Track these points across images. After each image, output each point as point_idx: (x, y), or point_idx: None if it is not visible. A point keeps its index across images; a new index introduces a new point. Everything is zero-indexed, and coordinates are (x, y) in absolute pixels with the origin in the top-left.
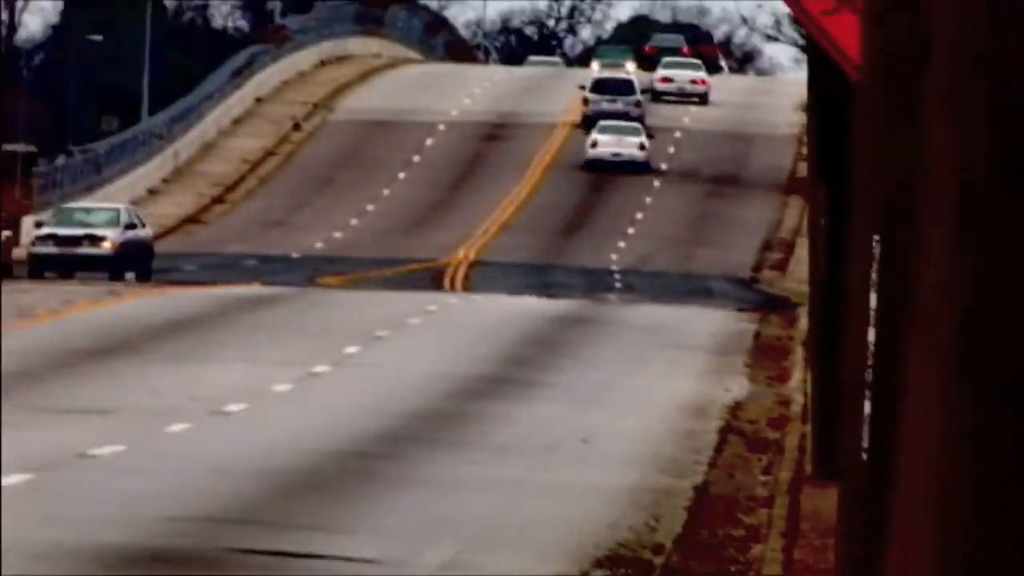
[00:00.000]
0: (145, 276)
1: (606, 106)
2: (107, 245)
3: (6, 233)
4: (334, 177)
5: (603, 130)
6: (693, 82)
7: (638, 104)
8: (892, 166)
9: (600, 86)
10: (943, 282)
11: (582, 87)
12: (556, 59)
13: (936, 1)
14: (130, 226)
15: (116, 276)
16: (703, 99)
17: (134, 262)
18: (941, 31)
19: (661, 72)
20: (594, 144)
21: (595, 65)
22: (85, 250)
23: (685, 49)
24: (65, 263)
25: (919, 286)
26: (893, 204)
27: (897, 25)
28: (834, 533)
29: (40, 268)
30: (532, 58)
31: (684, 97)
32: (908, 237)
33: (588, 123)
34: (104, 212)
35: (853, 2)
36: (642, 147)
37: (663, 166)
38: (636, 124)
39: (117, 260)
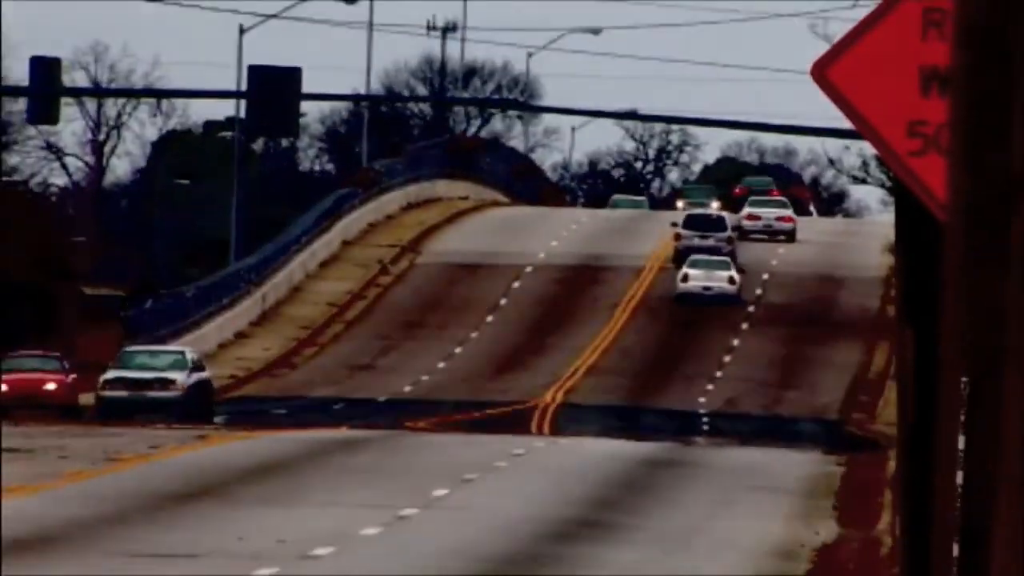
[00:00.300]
0: (208, 419)
1: (698, 242)
2: (177, 388)
3: (73, 376)
4: (421, 320)
5: (694, 264)
6: (779, 219)
7: (729, 240)
8: (980, 308)
9: (692, 222)
10: None
11: (674, 224)
12: (641, 198)
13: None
14: (196, 368)
15: (183, 419)
16: (790, 236)
17: (199, 405)
18: None
19: (748, 210)
20: (685, 278)
21: (680, 204)
22: (155, 393)
23: (775, 191)
24: (135, 407)
25: (1006, 429)
26: (981, 346)
27: (985, 166)
28: None
29: (110, 412)
30: (616, 197)
31: (771, 235)
32: (995, 380)
33: (680, 258)
34: (169, 355)
35: (940, 143)
36: (732, 281)
37: (751, 308)
38: (726, 259)
39: (184, 403)
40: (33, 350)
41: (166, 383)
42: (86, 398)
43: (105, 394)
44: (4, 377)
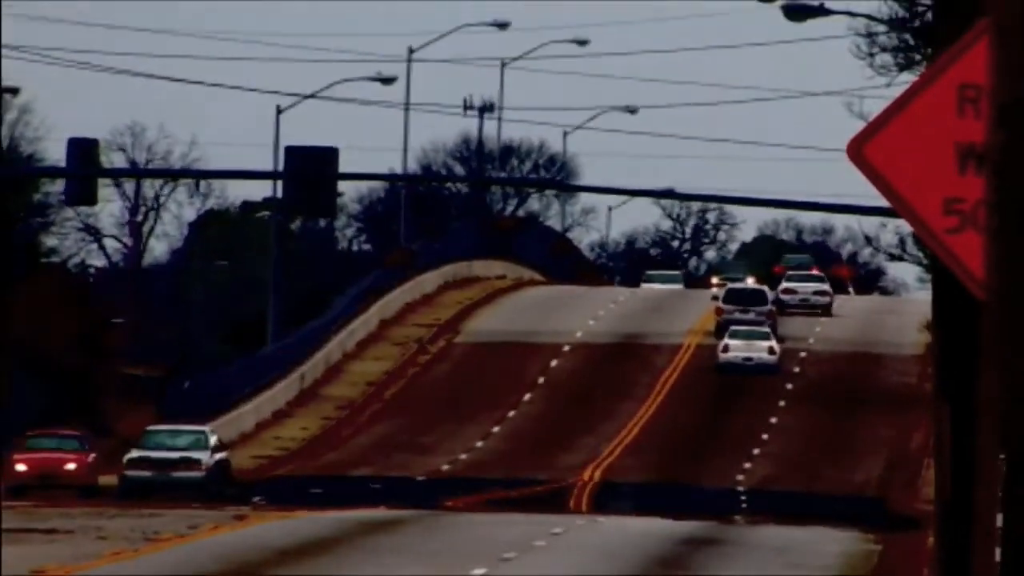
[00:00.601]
0: (225, 498)
1: (739, 315)
2: (201, 468)
3: (93, 456)
4: (459, 398)
5: (734, 335)
6: (816, 294)
7: (770, 314)
8: (1017, 385)
9: (733, 296)
10: None
11: (715, 297)
12: (675, 272)
13: None
14: (216, 448)
15: (207, 499)
16: (826, 311)
17: (220, 485)
18: None
19: (785, 284)
20: (726, 348)
21: (714, 281)
22: (180, 473)
23: (814, 269)
24: (159, 486)
25: None
26: (1019, 423)
27: (1021, 242)
28: None
29: (133, 491)
30: (650, 272)
31: (808, 309)
32: None
33: (721, 332)
34: (191, 434)
35: (977, 221)
36: (772, 351)
37: (788, 385)
38: (766, 329)
39: (207, 483)
40: (53, 429)
41: (191, 463)
42: (106, 478)
43: (129, 474)
44: (24, 457)
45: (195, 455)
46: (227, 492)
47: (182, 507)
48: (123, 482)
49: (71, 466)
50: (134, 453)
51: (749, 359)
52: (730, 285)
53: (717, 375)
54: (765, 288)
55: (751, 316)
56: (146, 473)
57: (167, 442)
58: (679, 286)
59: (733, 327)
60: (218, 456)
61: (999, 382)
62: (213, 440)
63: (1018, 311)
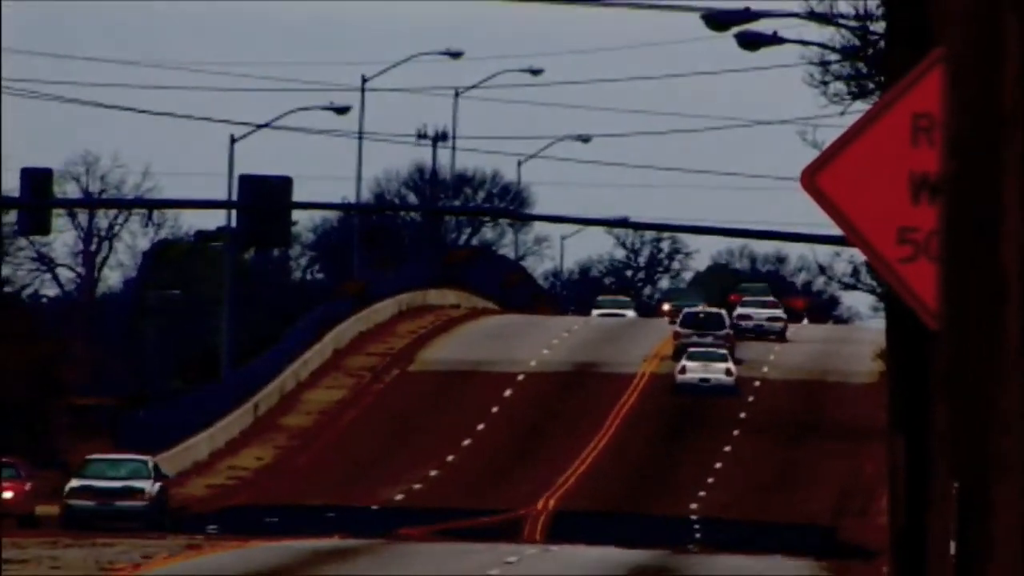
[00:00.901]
0: (166, 529)
1: (696, 339)
2: (144, 498)
3: (30, 485)
4: (413, 428)
5: (691, 356)
6: (771, 320)
7: (727, 338)
8: (971, 414)
9: (691, 320)
10: (1016, 533)
11: (672, 322)
12: (626, 298)
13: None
14: (158, 477)
15: (147, 529)
16: (781, 336)
17: (161, 514)
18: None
19: (740, 310)
20: (683, 370)
21: (666, 307)
22: (124, 503)
23: (770, 299)
24: (102, 516)
25: (998, 535)
26: (972, 453)
27: (975, 272)
28: None
29: (76, 521)
30: (601, 298)
31: (762, 334)
32: (986, 485)
33: (678, 355)
34: (134, 463)
35: (930, 250)
36: (729, 372)
37: (743, 415)
38: (723, 351)
39: (150, 513)
40: None
41: (134, 492)
42: (46, 508)
43: (72, 503)
44: None
45: (138, 484)
46: (167, 523)
47: (135, 536)
48: (65, 511)
49: (8, 495)
50: (75, 483)
51: (706, 380)
52: (687, 309)
53: (672, 403)
54: (723, 312)
55: (709, 340)
56: (89, 503)
57: (108, 471)
58: (630, 312)
59: (691, 349)
60: (159, 485)
61: (952, 411)
62: (154, 469)
63: (970, 341)
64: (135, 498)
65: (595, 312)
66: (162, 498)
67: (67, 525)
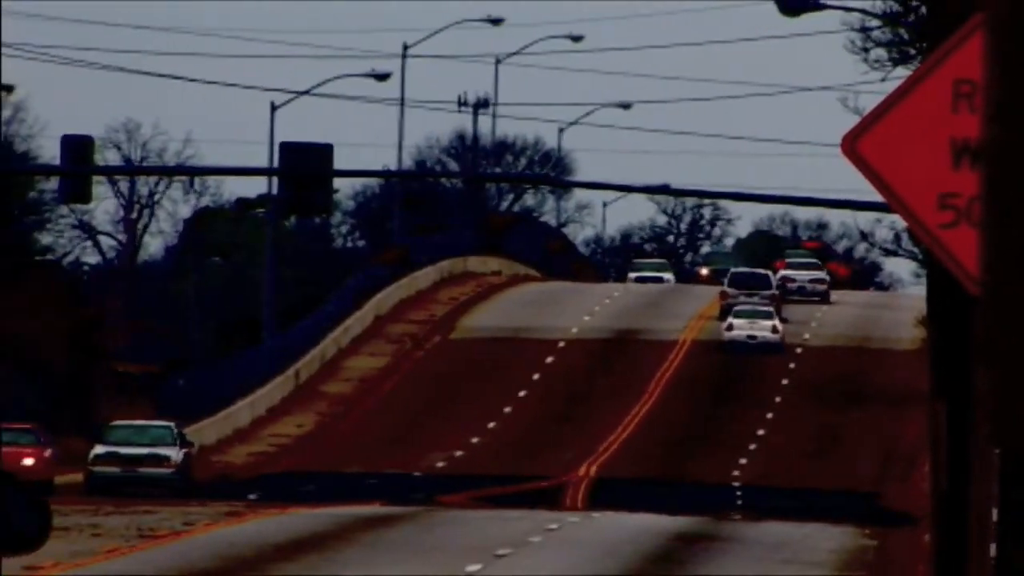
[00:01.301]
0: (191, 496)
1: (744, 300)
2: (171, 465)
3: (50, 451)
4: (455, 395)
5: (738, 314)
6: (814, 281)
7: (773, 298)
8: (1012, 379)
9: (738, 280)
10: None
11: (719, 282)
12: (663, 261)
13: None
14: (184, 443)
15: (175, 495)
16: (824, 298)
17: (187, 480)
18: None
19: (783, 272)
20: (730, 327)
21: (704, 271)
22: (149, 470)
23: (814, 262)
24: (127, 483)
25: None
26: (1013, 419)
27: (1017, 239)
28: None
29: (100, 488)
30: (637, 261)
31: (806, 296)
32: None
33: (724, 315)
34: (158, 430)
35: (972, 216)
36: (775, 330)
37: (784, 381)
38: (770, 308)
39: (176, 480)
40: (9, 424)
41: (160, 459)
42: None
43: (96, 470)
44: None
45: (163, 451)
46: (192, 489)
47: (177, 504)
48: (89, 478)
49: (28, 461)
50: (100, 449)
51: (753, 337)
52: (733, 270)
53: (714, 369)
54: (769, 272)
55: (755, 300)
56: (114, 469)
57: (133, 438)
58: (668, 275)
59: (737, 307)
60: (185, 451)
61: (994, 378)
62: (179, 435)
63: (1012, 307)
64: (161, 465)
65: (631, 276)
66: (187, 465)
67: (91, 491)
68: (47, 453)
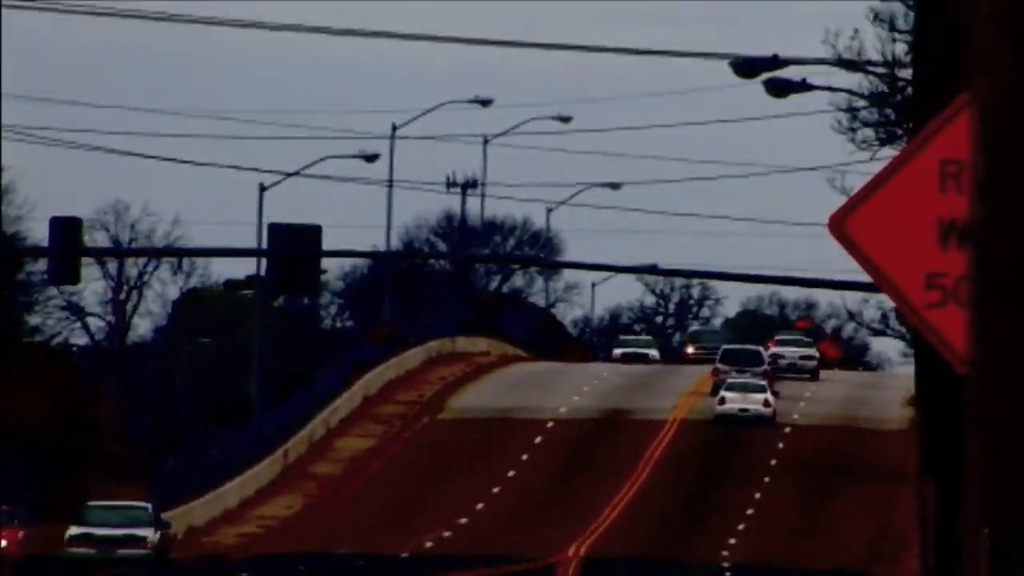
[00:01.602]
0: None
1: (735, 376)
2: (147, 546)
3: (23, 532)
4: (443, 475)
5: (730, 387)
6: (804, 358)
7: (765, 374)
8: (1001, 461)
9: (730, 356)
10: None
11: (693, 341)
12: (648, 338)
13: None
14: (160, 524)
15: None
16: (814, 375)
17: (163, 562)
18: None
19: (774, 349)
20: (722, 401)
21: (690, 349)
22: (126, 551)
23: (803, 339)
24: (103, 564)
25: None
26: (1003, 498)
27: (1004, 320)
28: None
29: (78, 570)
30: (624, 338)
31: (796, 372)
32: (1019, 530)
33: (716, 391)
34: (134, 510)
35: (959, 296)
36: (767, 403)
37: (772, 461)
38: (762, 382)
39: (153, 561)
40: None
41: (137, 541)
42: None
43: (72, 551)
44: None
45: (140, 532)
46: (168, 571)
47: None
48: (67, 561)
49: (2, 543)
50: (75, 530)
51: (745, 410)
52: (726, 346)
53: (703, 450)
54: (760, 348)
55: (747, 377)
56: (89, 551)
57: (109, 518)
58: (653, 351)
59: (729, 380)
60: (161, 532)
61: (983, 456)
62: (153, 516)
63: (999, 387)
64: (138, 546)
65: (617, 352)
66: (164, 546)
67: (67, 574)
68: (20, 534)
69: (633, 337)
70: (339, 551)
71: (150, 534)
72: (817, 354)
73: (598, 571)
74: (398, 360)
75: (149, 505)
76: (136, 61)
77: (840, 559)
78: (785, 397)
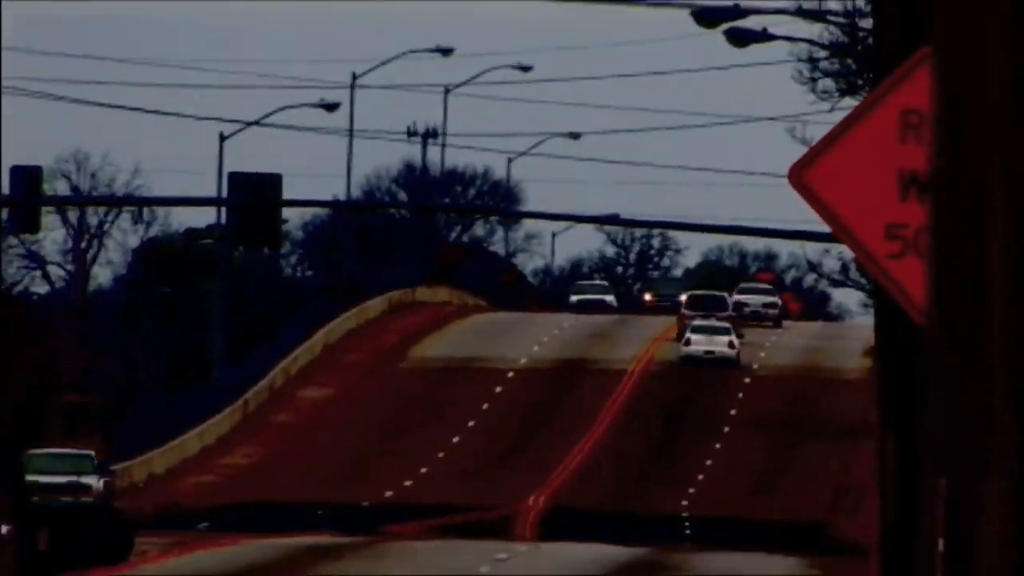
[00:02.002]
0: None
1: (700, 321)
2: (91, 494)
3: None
4: (404, 425)
5: (696, 330)
6: (766, 306)
7: (730, 319)
8: (959, 412)
9: (695, 302)
10: (1004, 532)
11: (648, 292)
12: (604, 283)
13: (996, 247)
14: (104, 472)
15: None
16: (777, 322)
17: (107, 510)
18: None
19: (736, 297)
20: (687, 342)
21: (647, 297)
22: (69, 499)
23: (766, 287)
24: (46, 513)
25: (986, 533)
26: (960, 451)
27: (962, 270)
28: None
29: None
30: (579, 283)
31: (758, 320)
32: (976, 482)
33: (682, 336)
34: (77, 458)
35: (919, 247)
36: (732, 345)
37: (732, 412)
38: (726, 324)
39: (97, 509)
40: None
41: (80, 488)
42: None
43: None
44: None
45: (84, 480)
46: (114, 518)
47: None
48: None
49: None
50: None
51: (711, 352)
52: (692, 292)
53: (662, 401)
54: (725, 295)
55: (712, 322)
56: (33, 498)
57: (53, 466)
58: (609, 297)
59: (695, 322)
60: (105, 480)
61: (939, 409)
62: (97, 464)
63: (957, 339)
64: (81, 494)
65: (573, 298)
66: (108, 493)
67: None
68: None
69: (590, 283)
70: (299, 500)
71: (94, 482)
72: (780, 302)
73: (558, 521)
74: (358, 310)
75: (92, 452)
76: (97, 10)
77: (800, 510)
78: (747, 343)
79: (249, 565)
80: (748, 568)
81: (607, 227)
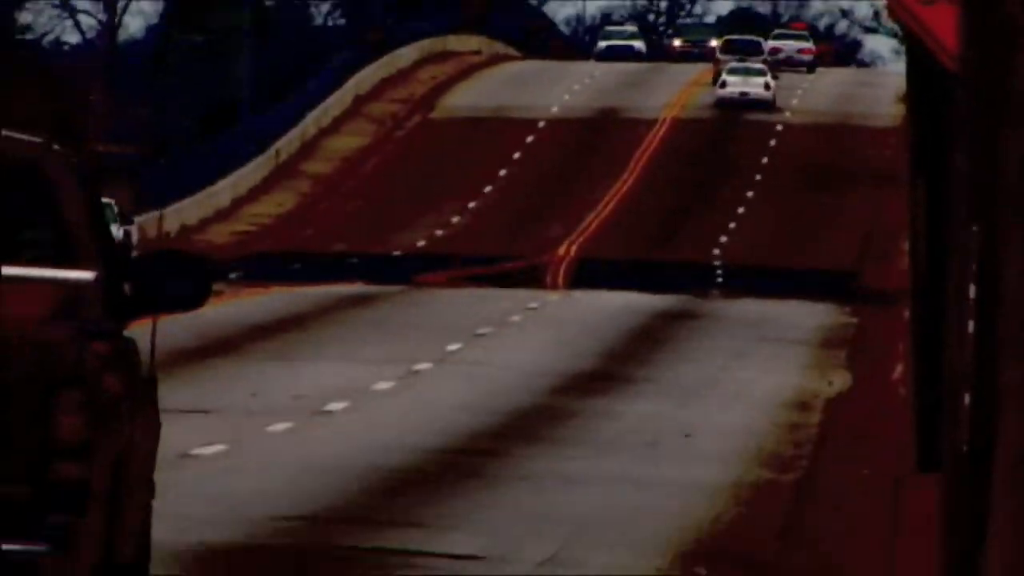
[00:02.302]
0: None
1: (736, 64)
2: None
3: None
4: (435, 175)
5: (732, 72)
6: (801, 51)
7: (764, 63)
8: (991, 157)
9: (731, 46)
10: None
11: (679, 44)
12: (634, 29)
13: None
14: (125, 220)
15: None
16: (811, 68)
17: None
18: None
19: (771, 43)
20: (723, 84)
21: (677, 43)
22: None
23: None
24: None
25: (1011, 280)
26: (992, 196)
27: (996, 14)
28: (936, 525)
29: None
30: (608, 29)
31: (792, 66)
32: (1006, 229)
33: (717, 79)
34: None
35: None
36: (767, 87)
37: (764, 159)
38: (762, 66)
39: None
40: None
41: None
42: None
43: None
44: None
45: None
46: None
47: None
48: None
49: None
50: None
51: (745, 93)
52: (728, 37)
53: (693, 150)
54: (761, 39)
55: (748, 63)
56: None
57: None
58: (638, 43)
59: (731, 64)
60: (126, 228)
61: (970, 154)
62: (117, 212)
63: (990, 84)
64: None
65: (601, 44)
66: (127, 243)
67: None
68: None
69: (618, 28)
70: (331, 249)
71: (114, 231)
72: (814, 47)
73: (589, 270)
74: (389, 59)
75: (112, 202)
76: None
77: (831, 258)
78: (781, 87)
79: (281, 313)
80: (781, 314)
81: None
